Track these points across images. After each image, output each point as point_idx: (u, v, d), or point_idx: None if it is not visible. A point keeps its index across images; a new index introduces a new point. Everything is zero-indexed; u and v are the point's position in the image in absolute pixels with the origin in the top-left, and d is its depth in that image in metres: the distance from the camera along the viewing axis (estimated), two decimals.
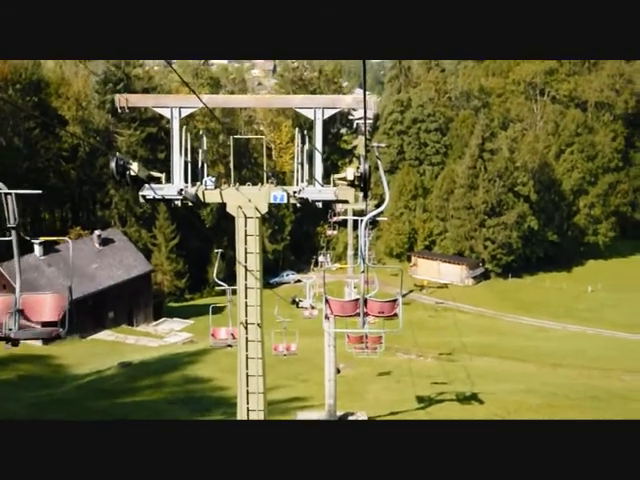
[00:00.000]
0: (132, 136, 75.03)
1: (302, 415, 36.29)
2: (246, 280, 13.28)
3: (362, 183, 12.34)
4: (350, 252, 75.60)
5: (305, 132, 13.47)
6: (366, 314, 13.16)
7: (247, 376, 13.44)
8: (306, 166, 13.04)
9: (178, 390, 45.90)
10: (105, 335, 62.98)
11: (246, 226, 13.11)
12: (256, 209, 13.05)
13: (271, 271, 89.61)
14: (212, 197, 13.10)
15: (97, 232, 66.39)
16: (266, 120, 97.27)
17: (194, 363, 54.50)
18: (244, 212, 13.04)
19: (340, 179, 12.99)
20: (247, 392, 13.39)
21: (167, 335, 64.58)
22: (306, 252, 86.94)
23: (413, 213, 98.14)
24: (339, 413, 34.89)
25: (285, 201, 13.06)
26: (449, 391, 41.23)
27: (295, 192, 12.71)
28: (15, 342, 9.33)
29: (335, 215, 75.33)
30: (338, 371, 45.94)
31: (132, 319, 66.49)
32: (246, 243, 13.13)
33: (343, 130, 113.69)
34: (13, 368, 52.47)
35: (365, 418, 34.82)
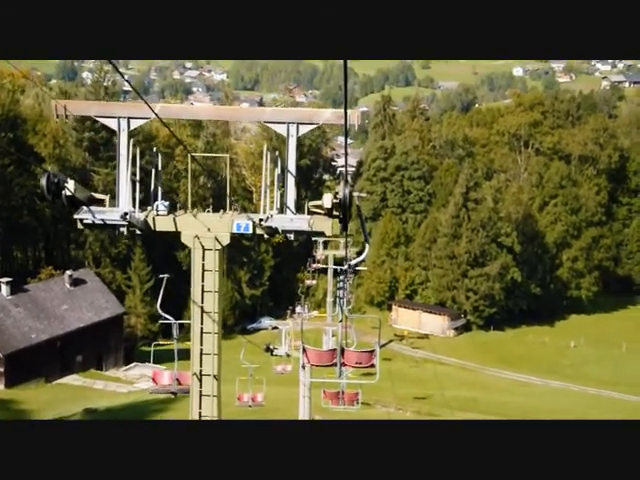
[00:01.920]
0: (109, 175, 73.18)
1: None
2: (202, 324, 11.26)
3: (341, 212, 10.38)
4: (329, 299, 74.05)
5: (277, 154, 11.61)
6: (343, 364, 12.73)
7: None
8: (277, 192, 11.15)
9: None
10: (72, 379, 60.70)
11: (204, 259, 11.15)
12: (216, 240, 11.09)
13: (248, 316, 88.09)
14: (164, 224, 11.20)
15: (68, 272, 64.28)
16: (248, 163, 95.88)
17: (164, 411, 52.78)
18: (202, 243, 11.09)
19: (315, 207, 11.11)
20: None
21: (137, 381, 62.02)
22: (285, 298, 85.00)
23: (395, 261, 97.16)
24: None
25: (250, 231, 11.18)
26: None
27: (262, 220, 10.77)
28: (176, 394, 13.90)
29: (315, 262, 73.94)
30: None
31: (101, 363, 63.99)
32: (203, 280, 11.16)
33: (326, 176, 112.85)
34: None
35: None
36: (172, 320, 14.65)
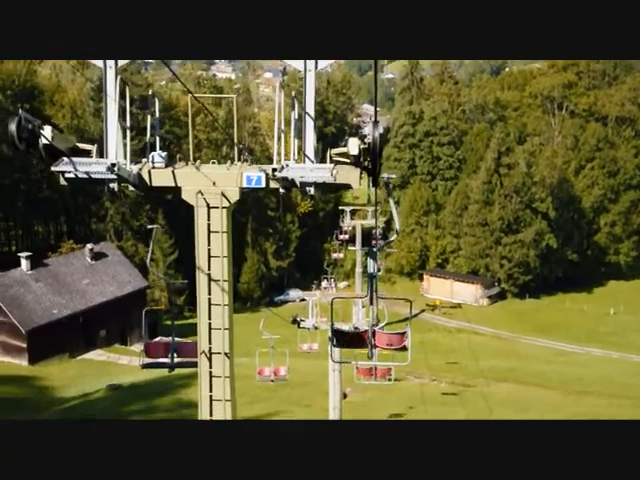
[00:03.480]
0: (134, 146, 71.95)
1: None
2: (210, 294, 9.78)
3: (371, 160, 8.79)
4: (358, 270, 72.99)
5: (293, 94, 10.01)
6: (374, 346, 12.50)
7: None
8: (293, 139, 9.59)
9: (170, 416, 43.41)
10: (96, 355, 60.09)
11: (209, 219, 9.62)
12: (223, 196, 9.56)
13: (275, 289, 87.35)
14: (161, 179, 9.72)
15: (89, 246, 63.39)
16: (270, 132, 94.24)
17: (189, 386, 52.03)
18: (206, 200, 9.57)
19: (339, 155, 9.51)
20: None
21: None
22: (312, 270, 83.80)
23: (425, 230, 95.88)
24: None
25: (262, 185, 9.61)
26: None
27: (276, 171, 9.19)
28: (173, 369, 12.11)
29: (342, 233, 72.51)
30: (345, 396, 43.08)
31: (126, 338, 63.15)
32: (209, 244, 9.64)
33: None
34: None
35: None
36: (162, 276, 13.20)
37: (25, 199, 76.21)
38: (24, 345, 56.51)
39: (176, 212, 77.57)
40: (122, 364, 58.57)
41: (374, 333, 12.44)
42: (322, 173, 9.34)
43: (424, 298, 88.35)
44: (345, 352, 27.91)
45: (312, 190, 9.56)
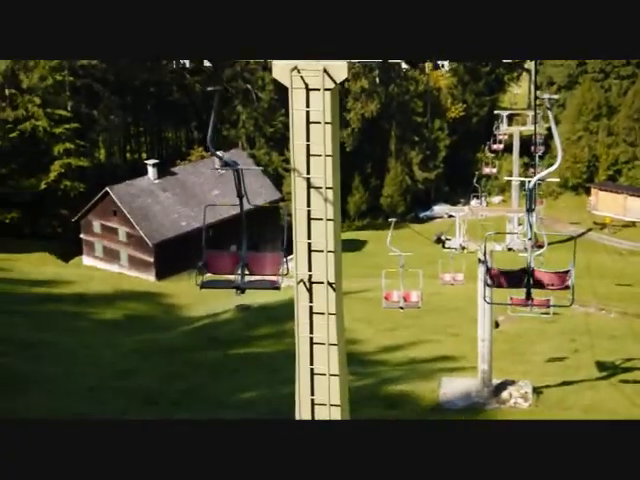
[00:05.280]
0: None
1: (448, 382, 33.12)
2: (309, 205, 7.98)
3: None
4: (515, 183, 69.78)
5: None
6: (534, 285, 12.47)
7: (312, 374, 8.24)
8: None
9: None
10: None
11: (309, 106, 7.73)
12: (326, 73, 7.61)
13: (422, 203, 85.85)
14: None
15: (219, 153, 62.96)
16: None
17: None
18: (304, 79, 7.66)
19: None
20: (312, 402, 8.17)
21: None
22: (463, 183, 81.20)
23: (595, 137, 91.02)
24: (496, 381, 31.77)
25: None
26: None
27: None
28: (243, 290, 11.07)
29: (497, 142, 69.35)
30: (497, 325, 41.42)
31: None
32: (309, 138, 7.77)
33: None
34: (120, 306, 51.29)
35: (529, 389, 31.48)
36: (227, 159, 11.68)
37: (155, 103, 77.06)
38: (151, 259, 57.54)
39: None
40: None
41: (533, 272, 12.22)
42: None
43: (592, 215, 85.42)
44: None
45: (446, 63, 7.44)
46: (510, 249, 35.93)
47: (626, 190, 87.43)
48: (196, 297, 54.00)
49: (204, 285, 10.81)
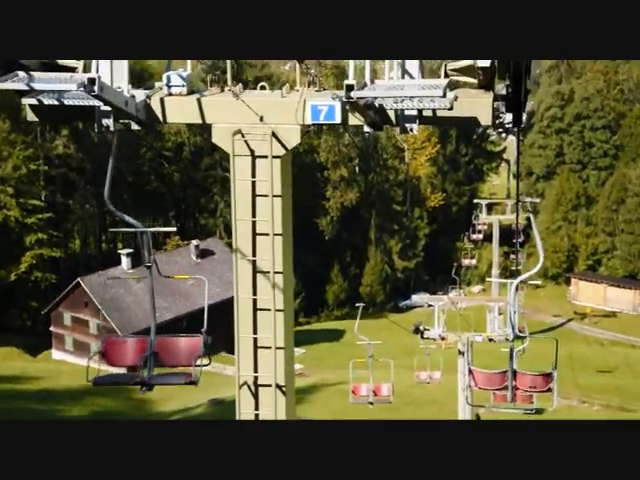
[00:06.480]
0: None
1: None
2: (255, 294, 6.74)
3: (512, 83, 5.80)
4: (495, 272, 69.06)
5: None
6: (515, 388, 12.46)
7: None
8: None
9: None
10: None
11: (254, 175, 6.55)
12: (275, 138, 6.46)
13: (401, 292, 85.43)
14: (180, 111, 6.64)
15: (194, 242, 62.56)
16: None
17: (300, 403, 50.19)
18: (249, 144, 6.52)
19: (459, 71, 6.28)
20: None
21: None
22: (443, 272, 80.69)
23: (574, 227, 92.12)
24: None
25: (337, 119, 6.45)
26: None
27: (352, 90, 5.98)
28: (150, 387, 9.28)
29: (475, 232, 69.03)
30: (478, 419, 39.93)
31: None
32: (255, 213, 6.57)
33: (490, 130, 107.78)
34: (87, 402, 49.29)
35: None
36: (125, 216, 9.29)
37: (132, 191, 76.53)
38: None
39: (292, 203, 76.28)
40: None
41: (515, 374, 12.22)
42: (433, 97, 6.09)
43: (572, 305, 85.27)
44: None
45: (415, 127, 6.31)
46: (491, 340, 34.88)
47: (606, 280, 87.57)
48: (168, 391, 52.37)
49: (97, 381, 8.98)
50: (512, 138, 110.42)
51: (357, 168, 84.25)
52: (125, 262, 59.17)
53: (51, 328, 61.05)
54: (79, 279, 58.08)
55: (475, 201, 72.58)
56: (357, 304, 30.41)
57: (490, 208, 77.21)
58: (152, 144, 68.50)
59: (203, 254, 62.38)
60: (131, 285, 58.01)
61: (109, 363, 8.87)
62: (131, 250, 60.52)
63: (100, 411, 47.87)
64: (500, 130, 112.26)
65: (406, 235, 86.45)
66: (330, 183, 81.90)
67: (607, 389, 55.60)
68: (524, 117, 8.11)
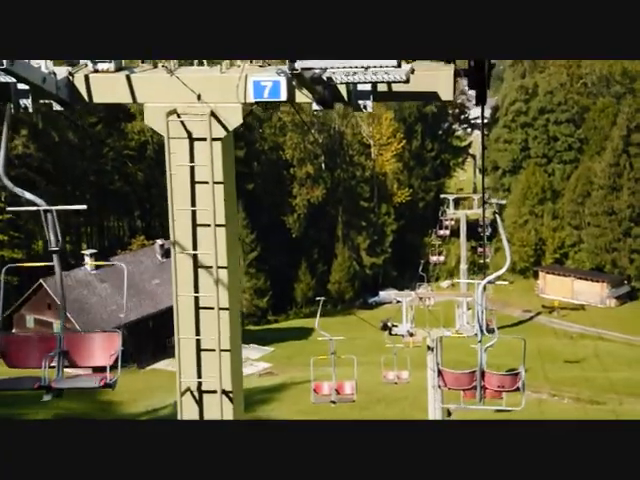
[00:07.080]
0: None
1: None
2: (196, 291, 6.06)
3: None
4: (463, 267, 68.82)
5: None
6: (484, 388, 12.70)
7: None
8: None
9: None
10: (166, 364, 58.35)
11: (193, 160, 5.89)
12: (215, 118, 5.80)
13: (369, 289, 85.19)
14: (108, 90, 5.96)
15: (159, 242, 61.67)
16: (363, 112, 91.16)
17: (269, 402, 49.76)
18: (186, 126, 5.86)
19: None
20: None
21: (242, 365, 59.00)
22: (411, 267, 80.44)
23: (540, 220, 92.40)
24: None
25: (282, 96, 5.80)
26: None
27: (295, 63, 5.34)
28: (58, 393, 7.93)
29: (443, 228, 68.66)
30: (449, 414, 39.58)
31: None
32: (194, 202, 5.90)
33: (456, 126, 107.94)
34: (51, 406, 48.01)
35: None
36: (25, 193, 8.48)
37: (95, 191, 75.44)
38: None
39: (258, 205, 75.68)
40: None
41: (483, 373, 12.31)
42: (389, 69, 5.47)
43: (540, 299, 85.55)
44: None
45: (369, 104, 5.68)
46: (460, 334, 34.50)
47: (573, 273, 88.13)
48: (135, 392, 51.66)
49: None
50: (478, 133, 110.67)
51: (323, 165, 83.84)
52: (89, 262, 58.21)
53: (13, 331, 59.91)
54: (41, 280, 57.23)
55: (442, 196, 72.27)
56: (317, 298, 29.82)
57: (457, 203, 76.90)
58: (77, 122, 66.87)
59: (168, 253, 61.50)
60: (95, 286, 57.15)
61: (9, 364, 7.74)
62: (94, 250, 59.65)
63: (65, 414, 46.85)
64: (465, 125, 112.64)
65: (374, 231, 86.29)
66: (296, 180, 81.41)
67: (577, 382, 55.91)
68: (488, 98, 7.55)
